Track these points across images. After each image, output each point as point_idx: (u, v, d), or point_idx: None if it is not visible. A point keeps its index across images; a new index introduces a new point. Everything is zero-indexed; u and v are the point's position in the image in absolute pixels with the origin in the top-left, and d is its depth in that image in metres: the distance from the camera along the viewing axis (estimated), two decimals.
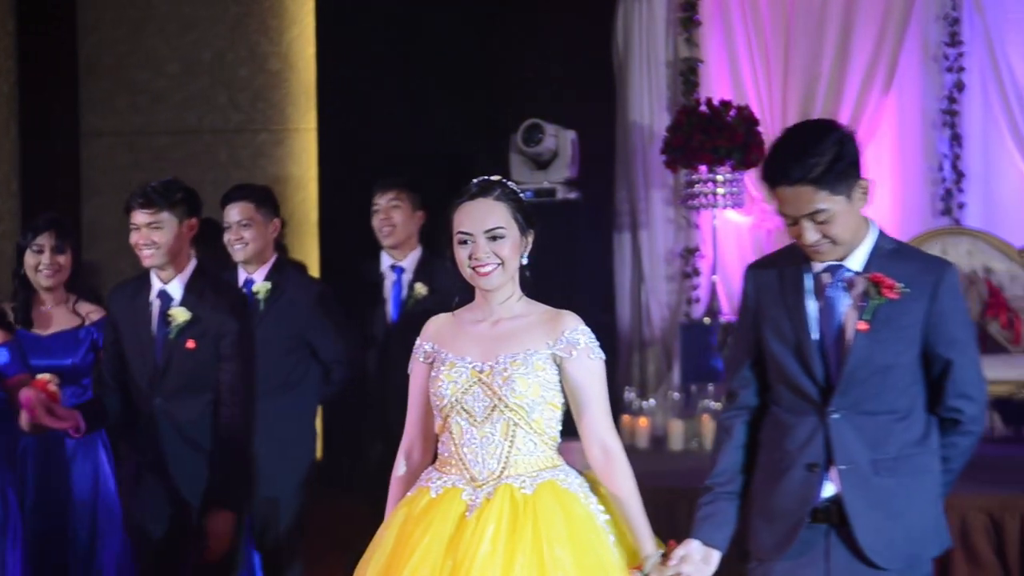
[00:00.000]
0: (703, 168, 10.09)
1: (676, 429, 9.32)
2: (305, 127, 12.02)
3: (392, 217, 7.52)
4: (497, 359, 3.89)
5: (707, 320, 10.31)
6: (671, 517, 7.05)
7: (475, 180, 3.99)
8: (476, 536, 3.73)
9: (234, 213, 7.06)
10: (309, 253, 11.36)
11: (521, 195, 4.00)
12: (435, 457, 4.05)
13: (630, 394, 9.91)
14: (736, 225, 10.76)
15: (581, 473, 3.97)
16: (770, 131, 10.52)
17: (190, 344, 5.49)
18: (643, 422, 9.33)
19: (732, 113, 10.06)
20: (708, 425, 9.27)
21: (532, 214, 3.99)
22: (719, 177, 10.10)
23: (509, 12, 11.07)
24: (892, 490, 3.79)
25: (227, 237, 7.05)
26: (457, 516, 3.81)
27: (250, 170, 12.09)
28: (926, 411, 3.88)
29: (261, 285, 6.87)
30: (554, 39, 10.94)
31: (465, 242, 3.91)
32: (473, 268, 3.90)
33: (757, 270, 4.04)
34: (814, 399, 3.82)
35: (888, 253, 3.86)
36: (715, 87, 10.73)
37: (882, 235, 3.89)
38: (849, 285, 3.84)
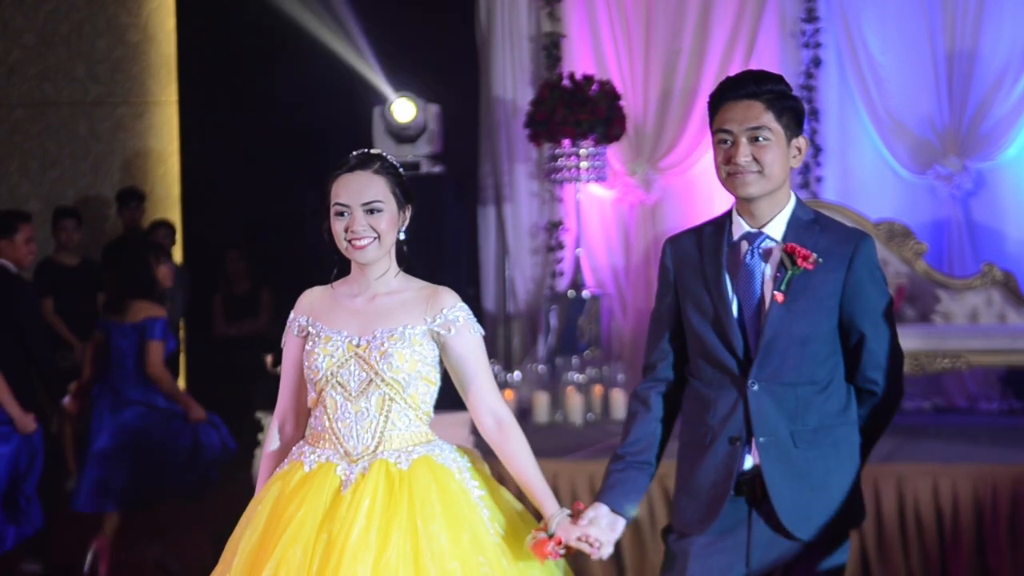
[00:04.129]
0: (566, 142, 10.14)
1: (541, 401, 9.39)
2: (166, 100, 11.87)
3: None
4: (374, 334, 3.86)
5: (571, 293, 10.38)
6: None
7: (354, 152, 3.93)
8: (351, 512, 3.71)
9: None
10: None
11: (400, 169, 3.96)
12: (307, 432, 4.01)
13: (495, 367, 9.96)
14: (599, 199, 10.84)
15: (455, 448, 3.97)
16: (632, 105, 10.61)
17: None
18: (508, 395, 9.39)
19: (595, 87, 10.12)
20: (573, 397, 9.35)
21: (410, 189, 3.96)
22: (582, 151, 10.16)
23: None
24: (812, 462, 3.79)
25: None
26: (332, 491, 3.78)
27: (110, 143, 11.92)
28: (846, 382, 3.89)
29: None
30: (417, 13, 10.91)
31: (342, 214, 3.86)
32: (349, 241, 3.86)
33: (675, 243, 3.97)
34: (733, 372, 3.80)
35: (806, 224, 3.84)
36: (578, 62, 10.79)
37: (800, 205, 3.89)
38: (766, 255, 3.82)
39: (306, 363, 3.91)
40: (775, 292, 3.76)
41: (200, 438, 7.96)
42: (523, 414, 9.39)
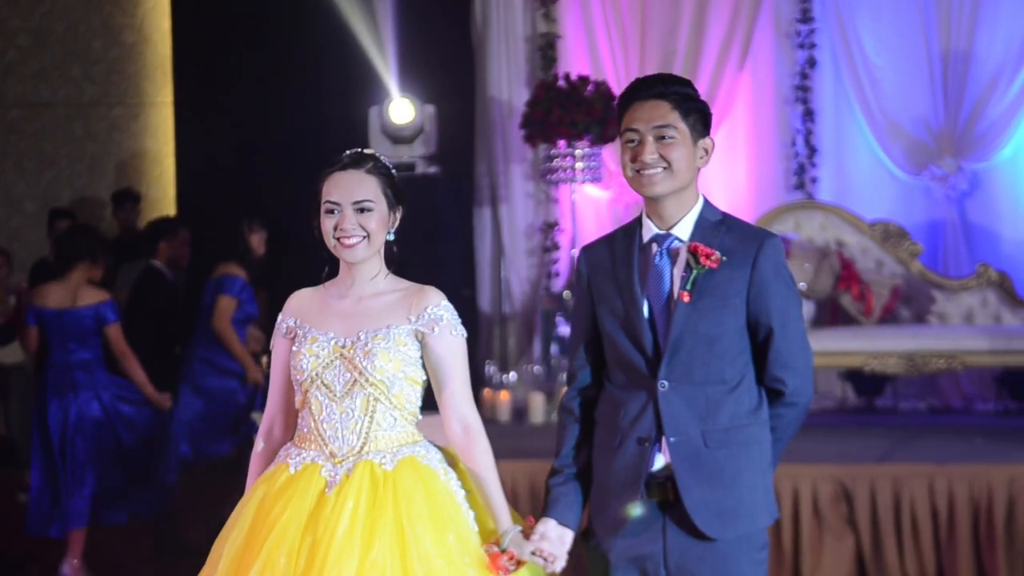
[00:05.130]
0: (562, 143, 10.14)
1: (537, 402, 9.39)
2: (161, 101, 11.87)
3: None
4: (359, 335, 3.85)
5: (567, 294, 10.38)
6: (532, 489, 7.12)
7: (348, 151, 3.92)
8: (335, 513, 3.71)
9: None
10: None
11: (393, 171, 3.96)
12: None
13: (491, 368, 9.96)
14: (595, 199, 10.84)
15: (441, 448, 3.96)
16: None
17: None
18: (504, 395, 9.40)
19: (590, 88, 10.13)
20: None
21: (402, 191, 3.95)
22: (578, 152, 10.16)
23: None
24: (722, 462, 3.81)
25: None
26: (316, 493, 3.78)
27: (105, 144, 11.93)
28: (757, 382, 3.90)
29: None
30: (413, 13, 10.91)
31: (332, 211, 3.86)
32: (338, 239, 3.85)
33: (589, 251, 4.02)
34: (643, 372, 3.83)
35: (713, 224, 3.87)
36: (573, 62, 10.79)
37: (708, 206, 3.92)
38: (674, 255, 3.85)
39: (293, 364, 3.91)
40: (681, 291, 3.80)
41: (255, 399, 8.49)
42: (519, 415, 9.40)
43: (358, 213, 3.84)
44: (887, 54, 10.40)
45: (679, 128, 3.84)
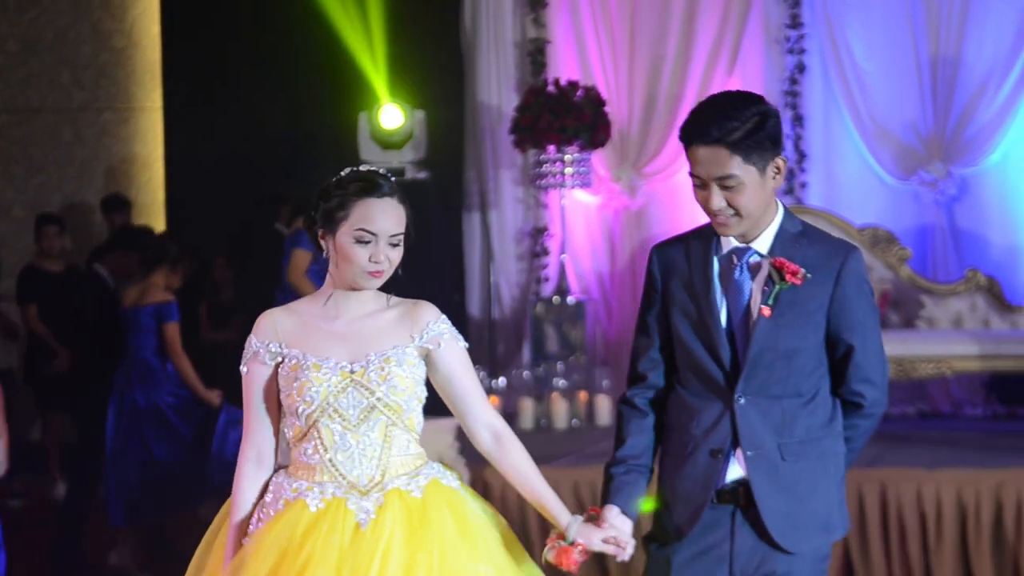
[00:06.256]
0: (551, 148, 10.15)
1: (526, 408, 9.39)
2: (150, 106, 11.87)
3: None
4: (367, 358, 3.70)
5: (556, 299, 10.39)
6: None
7: (380, 174, 3.74)
8: (373, 548, 3.58)
9: None
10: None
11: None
12: (278, 464, 3.81)
13: (480, 373, 9.96)
14: (584, 205, 10.85)
15: (443, 466, 3.86)
16: (616, 111, 10.62)
17: None
18: (493, 401, 9.40)
19: (579, 93, 10.14)
20: (558, 403, 9.36)
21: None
22: (567, 157, 10.17)
23: None
24: (798, 474, 3.78)
25: None
26: (349, 529, 3.61)
27: (94, 149, 11.92)
28: (831, 394, 3.86)
29: None
30: (403, 18, 10.92)
31: (367, 242, 3.66)
32: (369, 271, 3.67)
33: (663, 251, 3.92)
34: (720, 384, 3.77)
35: (793, 236, 3.79)
36: (563, 67, 10.80)
37: (788, 217, 3.84)
38: (754, 269, 3.78)
39: (293, 393, 3.69)
40: (762, 306, 3.73)
41: None
42: (508, 420, 9.22)
43: (389, 246, 3.68)
44: (876, 60, 10.42)
45: (742, 172, 3.68)
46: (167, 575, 7.69)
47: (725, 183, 3.69)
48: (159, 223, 11.58)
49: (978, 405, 10.00)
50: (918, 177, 10.33)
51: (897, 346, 8.95)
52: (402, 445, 3.73)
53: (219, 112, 11.26)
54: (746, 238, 3.80)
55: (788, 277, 3.73)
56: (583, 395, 9.58)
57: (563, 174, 10.21)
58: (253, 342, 3.78)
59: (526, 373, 9.99)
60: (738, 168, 3.68)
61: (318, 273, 8.64)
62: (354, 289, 3.75)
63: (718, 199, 3.70)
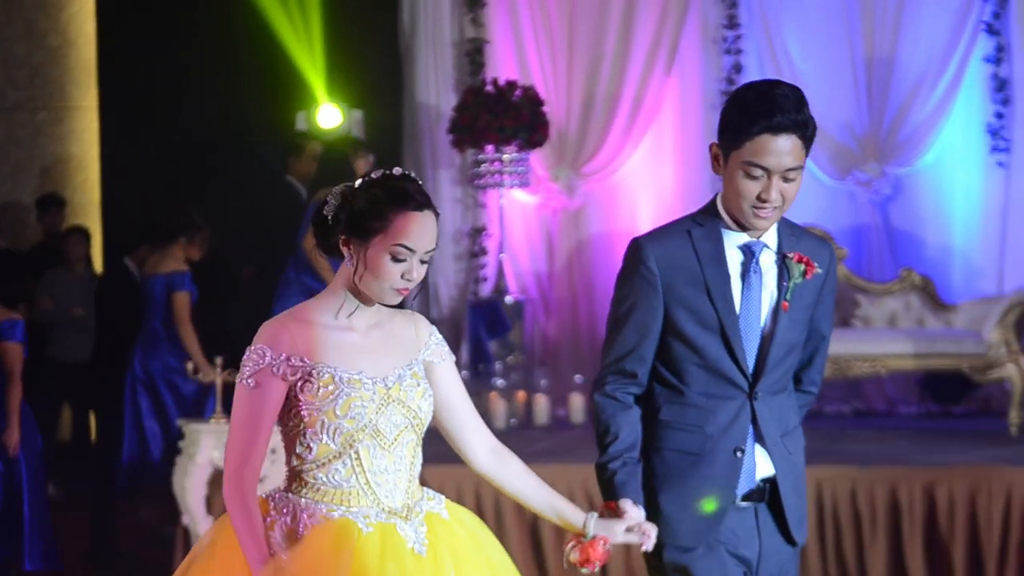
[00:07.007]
0: (490, 148, 10.16)
1: None
2: (86, 105, 11.78)
3: None
4: (396, 372, 3.48)
5: (509, 299, 10.40)
6: (458, 493, 7.12)
7: (417, 181, 3.49)
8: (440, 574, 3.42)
9: None
10: (91, 234, 11.15)
11: None
12: (294, 486, 3.49)
13: None
14: (522, 204, 10.86)
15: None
16: (555, 111, 10.64)
17: None
18: None
19: (518, 93, 10.14)
20: (496, 403, 9.36)
21: None
22: (505, 157, 10.18)
23: None
24: (798, 467, 3.79)
25: None
26: (408, 556, 3.39)
27: (29, 149, 11.81)
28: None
29: None
30: (341, 18, 10.89)
31: (403, 259, 3.40)
32: (398, 288, 3.43)
33: (657, 246, 3.74)
34: (738, 381, 3.70)
35: (789, 230, 3.75)
36: (501, 67, 10.80)
37: None
38: (765, 263, 3.72)
39: (332, 410, 3.39)
40: (783, 301, 3.69)
41: None
42: None
43: (420, 263, 3.44)
44: (812, 60, 10.49)
45: (801, 164, 3.62)
46: None
47: (789, 175, 3.61)
48: (94, 223, 11.50)
49: (912, 403, 10.10)
50: (853, 177, 10.41)
51: (833, 345, 8.87)
52: (418, 465, 3.55)
53: (155, 111, 11.19)
54: (756, 232, 3.73)
55: (809, 272, 3.70)
56: (521, 395, 9.58)
57: (501, 174, 10.22)
58: (267, 354, 3.41)
59: (464, 373, 9.99)
60: (801, 160, 3.63)
61: None
62: (369, 301, 3.49)
63: (777, 190, 3.61)
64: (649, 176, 10.58)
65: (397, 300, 3.47)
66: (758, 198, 3.61)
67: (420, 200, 3.44)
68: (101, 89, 11.64)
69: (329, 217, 3.46)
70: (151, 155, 11.15)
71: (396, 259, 3.40)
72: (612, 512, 3.65)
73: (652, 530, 3.59)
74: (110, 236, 11.50)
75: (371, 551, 3.36)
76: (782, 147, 3.58)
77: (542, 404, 9.44)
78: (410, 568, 3.37)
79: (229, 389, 7.60)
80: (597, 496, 7.00)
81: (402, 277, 3.41)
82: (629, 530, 3.58)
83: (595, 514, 3.62)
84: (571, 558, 3.61)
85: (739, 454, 3.71)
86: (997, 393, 9.79)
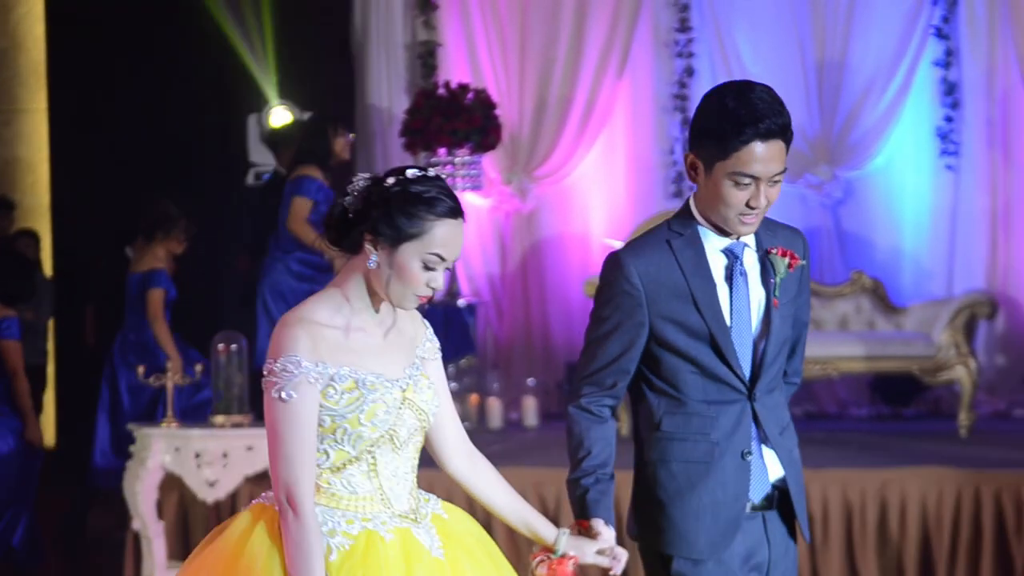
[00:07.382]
0: (442, 151, 10.14)
1: None
2: (35, 107, 11.70)
3: None
4: (406, 372, 3.39)
5: (462, 302, 10.38)
6: (448, 495, 7.10)
7: (448, 191, 3.33)
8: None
9: None
10: (41, 238, 11.07)
11: None
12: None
13: None
14: (475, 207, 10.84)
15: None
16: (507, 114, 10.63)
17: None
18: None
19: (470, 96, 10.13)
20: None
21: None
22: (458, 160, 10.16)
23: None
24: (798, 464, 3.76)
25: None
26: (429, 559, 3.34)
27: None
28: None
29: None
30: (292, 20, 10.86)
31: (434, 267, 3.30)
32: (421, 295, 3.34)
33: (639, 260, 3.63)
34: (736, 385, 3.64)
35: (763, 223, 3.67)
36: (453, 70, 10.79)
37: None
38: (748, 263, 3.66)
39: (357, 417, 3.30)
40: (774, 298, 3.65)
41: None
42: None
43: (446, 270, 3.35)
44: (763, 63, 10.53)
45: (786, 166, 3.58)
46: None
47: (776, 179, 3.55)
48: (44, 226, 11.42)
49: (863, 406, 10.15)
50: (804, 180, 10.46)
51: None
52: (416, 467, 3.47)
53: (106, 114, 11.12)
54: (736, 233, 3.67)
55: (792, 265, 3.65)
56: (474, 398, 9.58)
57: (454, 177, 10.19)
58: (301, 363, 3.26)
59: None
60: (786, 162, 3.58)
61: (316, 224, 8.51)
62: (380, 300, 3.39)
63: (763, 197, 3.53)
64: (601, 179, 10.60)
65: (415, 306, 3.38)
66: (747, 205, 3.55)
67: (455, 208, 3.31)
68: (51, 92, 11.56)
69: (350, 211, 3.33)
70: (101, 158, 11.08)
71: (427, 267, 3.30)
72: (584, 531, 3.59)
73: (623, 555, 3.54)
74: (60, 239, 11.42)
75: (396, 561, 3.28)
76: (771, 153, 3.51)
77: (495, 407, 9.44)
78: (436, 573, 3.31)
79: (181, 393, 7.61)
80: (549, 499, 7.07)
81: (427, 284, 3.31)
82: (600, 552, 3.53)
83: (567, 531, 3.56)
84: (537, 573, 3.55)
85: (747, 457, 3.66)
86: (947, 395, 9.87)
